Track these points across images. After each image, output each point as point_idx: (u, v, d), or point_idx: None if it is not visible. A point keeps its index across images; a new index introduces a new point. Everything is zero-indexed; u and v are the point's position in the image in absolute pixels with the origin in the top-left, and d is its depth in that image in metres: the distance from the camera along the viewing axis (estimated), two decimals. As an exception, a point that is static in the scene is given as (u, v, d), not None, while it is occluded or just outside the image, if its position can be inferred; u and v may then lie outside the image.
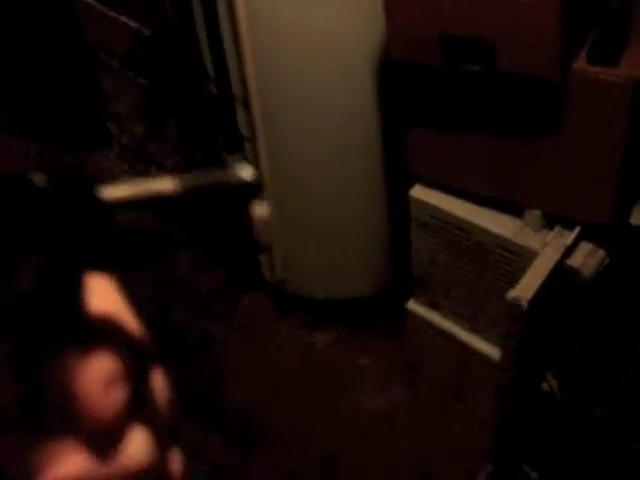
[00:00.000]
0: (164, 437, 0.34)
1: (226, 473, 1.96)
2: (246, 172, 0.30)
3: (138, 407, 0.32)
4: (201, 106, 2.00)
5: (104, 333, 0.31)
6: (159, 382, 0.35)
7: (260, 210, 0.33)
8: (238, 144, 1.91)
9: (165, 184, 0.30)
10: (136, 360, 0.32)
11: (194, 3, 1.80)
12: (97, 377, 0.29)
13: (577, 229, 1.46)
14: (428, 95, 1.49)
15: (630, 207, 1.46)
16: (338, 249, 2.07)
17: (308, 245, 2.09)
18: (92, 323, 0.31)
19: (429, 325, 1.87)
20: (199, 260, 2.40)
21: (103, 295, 0.32)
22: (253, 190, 0.30)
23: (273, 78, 1.75)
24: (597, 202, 1.42)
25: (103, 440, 0.30)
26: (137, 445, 0.31)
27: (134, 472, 0.31)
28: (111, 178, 2.58)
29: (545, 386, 1.66)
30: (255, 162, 1.91)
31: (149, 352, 0.34)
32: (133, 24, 2.26)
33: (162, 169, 2.50)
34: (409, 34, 1.38)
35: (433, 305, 1.84)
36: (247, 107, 1.81)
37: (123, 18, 2.29)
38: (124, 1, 2.27)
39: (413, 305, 1.88)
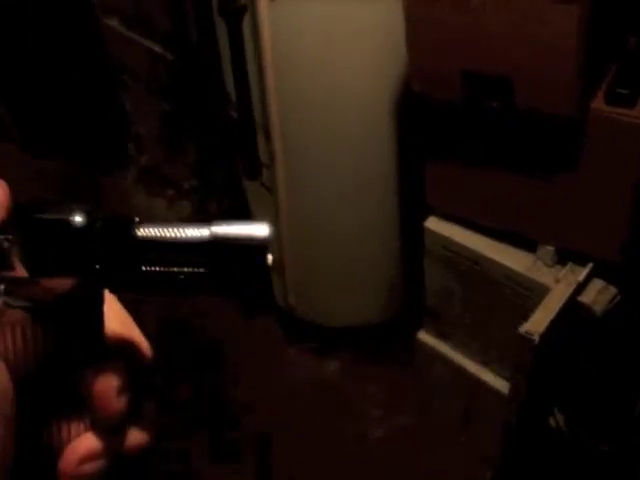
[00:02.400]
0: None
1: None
2: (266, 230, 0.35)
3: (135, 411, 0.41)
4: (222, 131, 2.03)
5: (118, 350, 0.40)
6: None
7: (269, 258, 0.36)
8: (257, 171, 1.94)
9: (197, 232, 0.35)
10: (140, 375, 0.41)
11: (219, 30, 1.83)
12: (112, 386, 0.39)
13: (589, 265, 1.47)
14: (447, 129, 1.51)
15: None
16: (350, 278, 2.09)
17: (320, 273, 2.11)
18: (109, 342, 0.40)
19: (438, 356, 1.88)
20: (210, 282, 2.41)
21: (117, 315, 0.42)
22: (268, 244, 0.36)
23: (294, 109, 1.78)
24: (609, 240, 1.43)
25: (111, 429, 0.41)
26: (135, 436, 0.42)
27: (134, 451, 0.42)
28: (127, 199, 2.61)
29: (552, 421, 1.67)
30: (273, 189, 1.94)
31: (152, 370, 0.43)
32: (157, 49, 2.30)
33: (179, 192, 2.53)
34: (430, 69, 1.40)
35: (443, 336, 1.85)
36: (267, 135, 1.84)
37: (147, 42, 2.34)
38: (149, 26, 2.32)
39: (423, 335, 1.90)
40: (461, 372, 1.84)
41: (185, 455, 2.02)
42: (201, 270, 0.35)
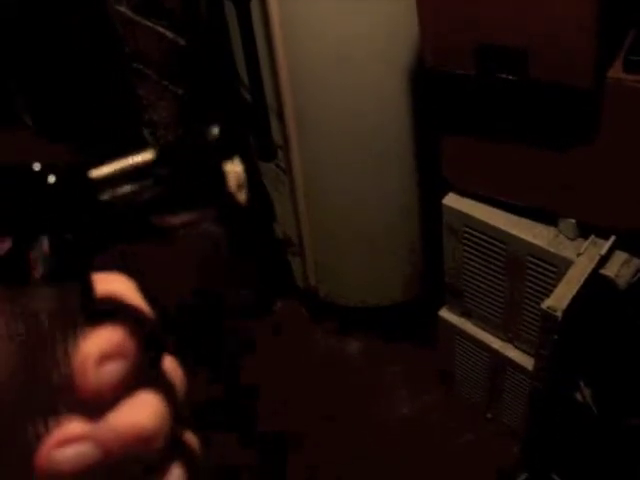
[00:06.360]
0: (176, 420, 0.35)
1: (257, 476, 1.97)
2: (214, 130, 0.34)
3: (143, 384, 0.33)
4: (235, 114, 2.02)
5: (110, 312, 0.33)
6: (171, 369, 0.36)
7: (232, 167, 0.36)
8: (272, 152, 1.93)
9: (144, 155, 0.34)
10: (144, 341, 0.33)
11: (228, 12, 1.82)
12: (92, 352, 0.31)
13: (612, 238, 1.45)
14: (462, 103, 1.49)
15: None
16: (371, 257, 2.08)
17: (341, 253, 2.10)
18: (100, 302, 0.33)
19: (461, 333, 1.87)
20: (232, 267, 2.42)
21: (115, 282, 0.35)
22: (224, 148, 0.35)
23: (306, 88, 1.76)
24: (632, 211, 1.41)
25: (97, 410, 0.32)
26: (133, 413, 0.32)
27: (137, 438, 0.32)
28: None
29: (578, 395, 1.65)
30: (288, 170, 1.92)
31: (159, 337, 0.35)
32: (169, 34, 2.29)
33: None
34: (443, 43, 1.38)
35: (465, 313, 1.83)
36: (281, 116, 1.82)
37: (159, 28, 2.32)
38: (160, 11, 2.30)
39: (445, 313, 1.88)
40: (485, 349, 1.83)
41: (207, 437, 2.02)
42: (160, 187, 0.34)
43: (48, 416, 0.32)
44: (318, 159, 1.89)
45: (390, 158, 1.86)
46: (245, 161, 0.35)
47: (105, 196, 0.33)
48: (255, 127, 1.91)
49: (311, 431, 2.03)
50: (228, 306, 2.34)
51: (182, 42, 2.25)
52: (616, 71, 1.28)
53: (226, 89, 2.00)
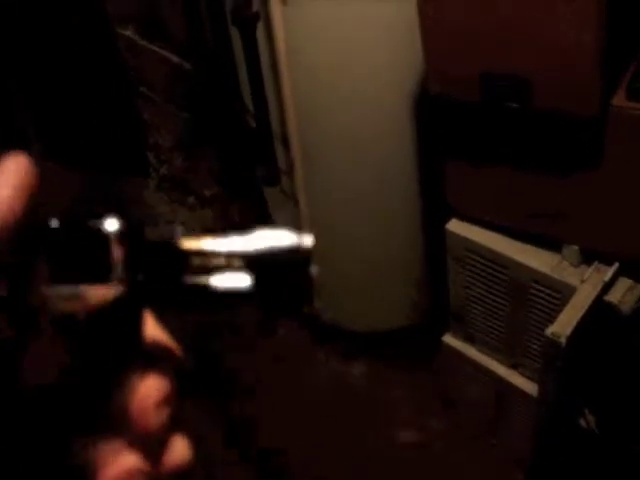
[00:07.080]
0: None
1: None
2: (309, 240, 0.36)
3: (177, 423, 0.37)
4: (240, 139, 2.03)
5: (158, 358, 0.37)
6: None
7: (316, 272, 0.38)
8: (276, 178, 1.94)
9: (242, 245, 0.34)
10: (178, 384, 0.37)
11: (234, 38, 1.83)
12: (153, 395, 0.35)
13: (616, 265, 1.45)
14: (466, 130, 1.50)
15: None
16: (375, 282, 2.08)
17: (345, 277, 2.09)
18: (149, 349, 0.37)
19: (465, 359, 1.86)
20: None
21: (150, 325, 0.38)
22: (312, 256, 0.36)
23: (311, 114, 1.77)
24: (636, 237, 1.41)
25: (151, 446, 0.36)
26: (179, 451, 0.37)
27: (178, 472, 0.37)
28: (149, 208, 2.61)
29: (583, 422, 1.65)
30: (292, 195, 1.93)
31: (184, 374, 0.39)
32: (174, 58, 2.30)
33: (200, 200, 2.53)
34: (448, 71, 1.39)
35: (469, 339, 1.83)
36: (285, 142, 1.83)
37: (164, 52, 2.34)
38: (165, 36, 2.32)
39: (449, 339, 1.88)
40: (489, 375, 1.82)
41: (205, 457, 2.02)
42: (244, 284, 0.34)
43: (98, 441, 0.35)
44: (322, 184, 1.90)
45: (394, 183, 1.87)
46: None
47: (189, 267, 0.34)
48: (260, 152, 1.92)
49: (313, 455, 2.02)
50: (231, 329, 2.34)
51: (187, 66, 2.27)
52: (619, 99, 1.28)
53: (231, 114, 2.01)
